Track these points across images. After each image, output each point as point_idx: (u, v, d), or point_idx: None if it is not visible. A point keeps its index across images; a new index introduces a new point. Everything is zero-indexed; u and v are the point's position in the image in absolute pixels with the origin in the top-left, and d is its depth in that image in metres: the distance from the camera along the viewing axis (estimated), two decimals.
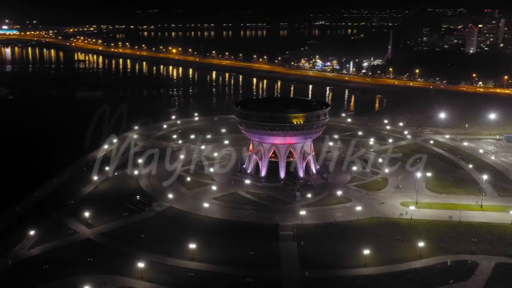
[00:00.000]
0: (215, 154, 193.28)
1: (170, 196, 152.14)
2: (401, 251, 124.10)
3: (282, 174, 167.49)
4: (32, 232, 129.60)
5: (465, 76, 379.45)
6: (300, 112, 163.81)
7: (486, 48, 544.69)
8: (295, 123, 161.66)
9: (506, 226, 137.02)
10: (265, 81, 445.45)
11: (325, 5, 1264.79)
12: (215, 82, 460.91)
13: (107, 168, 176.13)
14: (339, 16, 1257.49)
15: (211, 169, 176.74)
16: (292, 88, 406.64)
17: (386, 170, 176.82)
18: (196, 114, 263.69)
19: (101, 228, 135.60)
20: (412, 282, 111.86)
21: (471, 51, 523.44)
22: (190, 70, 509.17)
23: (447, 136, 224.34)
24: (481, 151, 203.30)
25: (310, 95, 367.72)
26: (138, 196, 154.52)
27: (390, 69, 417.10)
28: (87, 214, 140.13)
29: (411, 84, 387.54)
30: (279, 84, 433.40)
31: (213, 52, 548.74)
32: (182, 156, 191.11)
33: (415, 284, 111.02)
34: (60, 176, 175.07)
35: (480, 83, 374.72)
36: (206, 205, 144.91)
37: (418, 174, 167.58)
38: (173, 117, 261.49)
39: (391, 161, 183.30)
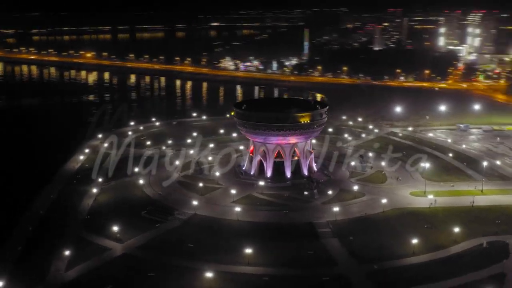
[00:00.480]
0: (210, 158, 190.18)
1: (195, 203, 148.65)
2: (436, 238, 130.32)
3: (289, 174, 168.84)
4: (67, 252, 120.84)
5: (388, 72, 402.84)
6: (305, 111, 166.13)
7: (392, 46, 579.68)
8: (302, 122, 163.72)
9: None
10: (190, 83, 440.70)
11: (214, 6, 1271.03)
12: (138, 85, 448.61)
13: (100, 179, 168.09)
14: (232, 18, 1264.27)
15: (217, 173, 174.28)
16: (221, 89, 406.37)
17: (383, 164, 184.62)
18: (154, 119, 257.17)
19: (133, 242, 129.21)
20: (461, 266, 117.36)
21: (378, 48, 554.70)
22: (106, 74, 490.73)
23: (410, 129, 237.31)
24: (449, 140, 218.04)
25: (240, 96, 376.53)
26: (150, 207, 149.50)
27: (319, 67, 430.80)
28: (115, 228, 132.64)
29: (343, 81, 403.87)
30: (205, 85, 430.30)
31: (131, 55, 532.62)
32: (177, 162, 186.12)
33: (466, 267, 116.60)
34: (51, 189, 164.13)
35: (402, 77, 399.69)
36: (237, 209, 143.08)
37: (408, 166, 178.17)
38: (132, 123, 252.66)
39: (392, 160, 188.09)
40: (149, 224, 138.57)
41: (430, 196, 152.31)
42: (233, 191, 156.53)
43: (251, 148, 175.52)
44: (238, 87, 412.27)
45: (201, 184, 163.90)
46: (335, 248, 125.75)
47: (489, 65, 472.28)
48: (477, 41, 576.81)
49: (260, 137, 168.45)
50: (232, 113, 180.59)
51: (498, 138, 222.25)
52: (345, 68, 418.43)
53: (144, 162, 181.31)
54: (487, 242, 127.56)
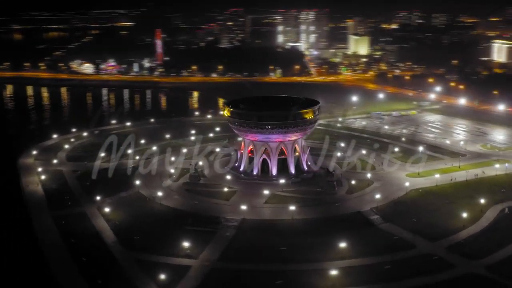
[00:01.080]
0: (200, 163, 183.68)
1: (244, 207, 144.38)
2: (464, 211, 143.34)
3: (293, 170, 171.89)
4: (162, 276, 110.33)
5: (257, 69, 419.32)
6: (306, 108, 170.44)
7: (238, 44, 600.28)
8: (306, 118, 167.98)
9: (497, 177, 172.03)
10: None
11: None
12: None
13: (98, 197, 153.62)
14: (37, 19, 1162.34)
15: (228, 177, 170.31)
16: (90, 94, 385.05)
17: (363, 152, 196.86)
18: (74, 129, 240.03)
19: (207, 255, 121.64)
20: (505, 231, 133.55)
21: (224, 46, 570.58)
22: None
23: (340, 119, 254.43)
24: (386, 127, 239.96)
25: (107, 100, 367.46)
26: (189, 219, 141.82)
27: (194, 67, 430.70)
28: (185, 244, 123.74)
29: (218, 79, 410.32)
30: (63, 91, 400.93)
31: None
32: (172, 170, 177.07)
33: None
34: (41, 220, 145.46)
35: (272, 73, 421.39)
36: (292, 207, 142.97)
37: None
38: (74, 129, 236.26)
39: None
40: (203, 235, 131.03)
41: (429, 177, 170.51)
42: (265, 192, 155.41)
43: (249, 148, 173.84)
44: (106, 91, 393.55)
45: (226, 189, 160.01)
46: (398, 231, 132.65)
47: (333, 58, 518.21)
48: (312, 38, 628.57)
49: (262, 136, 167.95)
50: (226, 113, 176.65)
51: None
52: (220, 67, 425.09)
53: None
54: (508, 208, 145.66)
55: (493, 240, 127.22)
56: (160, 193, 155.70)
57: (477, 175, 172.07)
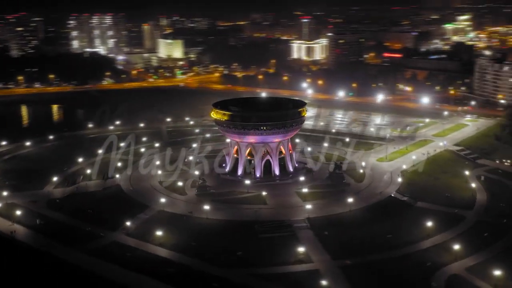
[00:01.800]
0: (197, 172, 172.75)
1: (308, 206, 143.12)
2: (463, 181, 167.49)
3: (292, 168, 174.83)
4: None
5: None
6: (299, 108, 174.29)
7: (31, 51, 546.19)
8: (302, 117, 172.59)
9: (443, 154, 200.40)
10: None
11: None
12: None
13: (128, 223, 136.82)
14: None
15: (247, 181, 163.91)
16: None
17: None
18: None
19: (319, 255, 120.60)
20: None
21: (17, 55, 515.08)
22: None
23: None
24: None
25: None
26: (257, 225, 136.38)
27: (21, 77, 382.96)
28: (292, 250, 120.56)
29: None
30: None
31: None
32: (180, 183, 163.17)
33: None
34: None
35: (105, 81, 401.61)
36: (350, 199, 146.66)
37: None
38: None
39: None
40: (287, 240, 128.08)
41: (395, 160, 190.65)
42: (305, 190, 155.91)
43: (247, 151, 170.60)
44: None
45: (264, 193, 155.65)
46: (437, 207, 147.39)
47: (150, 63, 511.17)
48: (111, 42, 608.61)
49: (260, 137, 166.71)
50: (216, 116, 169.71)
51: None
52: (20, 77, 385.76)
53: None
54: (483, 176, 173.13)
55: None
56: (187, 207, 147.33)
57: (429, 153, 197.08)
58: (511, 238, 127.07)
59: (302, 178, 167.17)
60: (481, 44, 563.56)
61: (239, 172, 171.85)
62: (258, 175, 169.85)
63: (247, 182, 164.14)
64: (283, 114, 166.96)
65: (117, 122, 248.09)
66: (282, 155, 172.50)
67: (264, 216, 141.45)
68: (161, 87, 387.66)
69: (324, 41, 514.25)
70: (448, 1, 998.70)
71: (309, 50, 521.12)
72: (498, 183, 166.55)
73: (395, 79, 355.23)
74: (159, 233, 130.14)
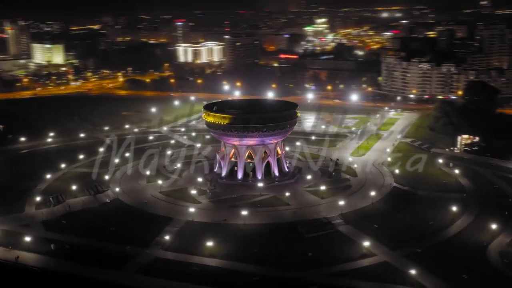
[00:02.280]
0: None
1: (341, 203, 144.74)
2: (433, 170, 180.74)
3: (287, 169, 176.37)
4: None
5: None
6: (292, 108, 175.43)
7: None
8: (296, 117, 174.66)
9: (400, 145, 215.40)
10: None
11: None
12: None
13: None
14: None
15: (260, 184, 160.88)
16: None
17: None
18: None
19: (378, 247, 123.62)
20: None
21: None
22: None
23: (165, 128, 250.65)
24: None
25: None
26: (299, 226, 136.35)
27: None
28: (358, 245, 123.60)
29: None
30: None
31: None
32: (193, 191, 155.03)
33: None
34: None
35: None
36: (373, 193, 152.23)
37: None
38: None
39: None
40: (334, 238, 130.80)
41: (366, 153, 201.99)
42: (323, 187, 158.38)
43: (246, 153, 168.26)
44: None
45: (287, 194, 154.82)
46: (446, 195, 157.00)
47: (21, 71, 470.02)
48: None
49: (261, 139, 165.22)
50: (214, 119, 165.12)
51: None
52: None
53: None
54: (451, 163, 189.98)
55: None
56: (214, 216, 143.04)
57: (394, 144, 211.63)
58: None
59: (308, 177, 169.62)
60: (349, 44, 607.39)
61: (239, 175, 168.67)
62: (260, 177, 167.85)
63: (260, 185, 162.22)
64: (283, 114, 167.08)
65: (51, 134, 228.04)
66: (278, 156, 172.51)
67: (299, 216, 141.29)
68: (64, 94, 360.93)
69: (210, 44, 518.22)
70: (286, 7, 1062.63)
71: (196, 53, 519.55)
72: (467, 168, 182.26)
73: (302, 80, 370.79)
74: (206, 244, 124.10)
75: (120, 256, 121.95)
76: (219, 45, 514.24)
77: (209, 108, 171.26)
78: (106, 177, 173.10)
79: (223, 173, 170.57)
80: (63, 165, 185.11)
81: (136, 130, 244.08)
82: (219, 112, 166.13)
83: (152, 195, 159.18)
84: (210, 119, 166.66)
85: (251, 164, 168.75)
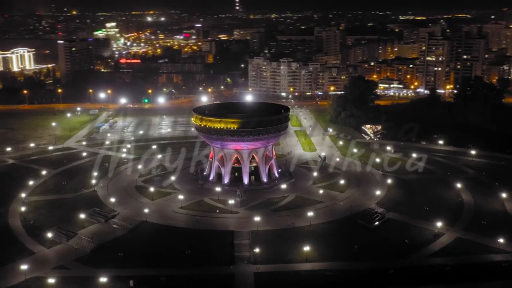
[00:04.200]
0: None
1: (378, 192, 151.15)
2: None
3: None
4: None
5: None
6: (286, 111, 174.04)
7: None
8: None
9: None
10: None
11: None
12: None
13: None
14: None
15: (283, 186, 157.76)
16: None
17: None
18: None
19: (448, 226, 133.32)
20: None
21: None
22: None
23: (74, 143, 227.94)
24: (166, 131, 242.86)
25: None
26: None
27: None
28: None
29: None
30: None
31: None
32: (232, 201, 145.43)
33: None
34: None
35: None
36: (389, 181, 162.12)
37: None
38: None
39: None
40: (395, 226, 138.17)
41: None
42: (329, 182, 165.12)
43: (249, 157, 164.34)
44: None
45: (321, 191, 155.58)
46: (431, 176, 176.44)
47: None
48: None
49: (263, 142, 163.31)
50: (220, 125, 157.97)
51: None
52: None
53: None
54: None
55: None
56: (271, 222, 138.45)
57: (325, 138, 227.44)
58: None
59: (315, 174, 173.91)
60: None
61: (245, 180, 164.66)
62: (265, 181, 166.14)
63: (284, 186, 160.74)
64: (283, 117, 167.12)
65: None
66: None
67: (351, 210, 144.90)
68: None
69: (21, 50, 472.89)
70: (31, 9, 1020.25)
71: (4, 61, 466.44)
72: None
73: (158, 84, 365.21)
74: (294, 249, 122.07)
75: (220, 277, 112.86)
76: (29, 51, 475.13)
77: (204, 113, 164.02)
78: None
79: (226, 180, 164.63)
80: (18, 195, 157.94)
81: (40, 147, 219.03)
82: (224, 117, 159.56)
83: (174, 211, 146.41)
84: (216, 125, 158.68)
85: (252, 168, 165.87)
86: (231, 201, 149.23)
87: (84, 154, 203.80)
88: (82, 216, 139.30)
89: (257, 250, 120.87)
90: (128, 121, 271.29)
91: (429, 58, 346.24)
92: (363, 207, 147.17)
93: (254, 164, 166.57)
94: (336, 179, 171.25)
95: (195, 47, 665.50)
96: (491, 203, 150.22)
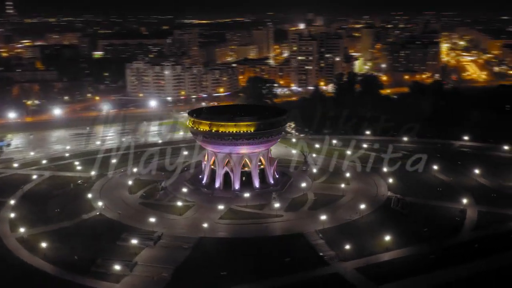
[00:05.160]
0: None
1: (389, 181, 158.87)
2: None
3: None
4: None
5: None
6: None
7: None
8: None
9: None
10: None
11: None
12: None
13: None
14: None
15: (304, 184, 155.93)
16: None
17: None
18: None
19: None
20: None
21: None
22: None
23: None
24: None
25: None
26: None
27: None
28: None
29: None
30: None
31: None
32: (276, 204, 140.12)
33: None
34: None
35: None
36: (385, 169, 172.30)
37: None
38: None
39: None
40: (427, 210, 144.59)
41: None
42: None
43: (255, 162, 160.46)
44: None
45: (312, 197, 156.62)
46: None
47: None
48: None
49: (269, 144, 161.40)
50: (235, 129, 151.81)
51: None
52: None
53: None
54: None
55: None
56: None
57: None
58: None
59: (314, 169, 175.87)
60: None
61: (256, 184, 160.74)
62: (273, 183, 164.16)
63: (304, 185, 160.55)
64: (285, 118, 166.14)
65: None
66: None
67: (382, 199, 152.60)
68: None
69: None
70: None
71: None
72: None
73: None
74: (371, 242, 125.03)
75: (330, 278, 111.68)
76: None
77: (224, 118, 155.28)
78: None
79: (236, 185, 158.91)
80: (22, 229, 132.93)
81: None
82: (231, 120, 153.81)
83: (216, 222, 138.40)
84: (230, 129, 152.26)
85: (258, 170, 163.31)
86: (277, 205, 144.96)
87: (32, 176, 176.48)
88: (122, 243, 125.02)
89: (339, 247, 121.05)
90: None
91: (300, 58, 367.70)
92: (385, 195, 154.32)
93: (261, 167, 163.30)
94: (326, 174, 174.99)
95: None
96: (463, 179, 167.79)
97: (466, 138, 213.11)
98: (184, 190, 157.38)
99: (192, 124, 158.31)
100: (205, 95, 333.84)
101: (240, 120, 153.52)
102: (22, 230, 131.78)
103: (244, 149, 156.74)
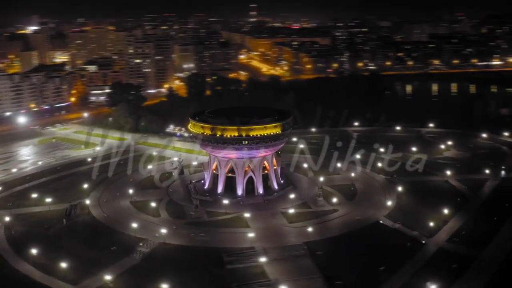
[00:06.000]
0: None
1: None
2: None
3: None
4: None
5: None
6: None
7: None
8: None
9: None
10: None
11: None
12: None
13: None
14: None
15: (320, 200, 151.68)
16: None
17: None
18: None
19: None
20: None
21: None
22: None
23: None
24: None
25: None
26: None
27: None
28: None
29: None
30: None
31: None
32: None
33: None
34: None
35: None
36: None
37: None
38: None
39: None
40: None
41: None
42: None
43: (265, 165, 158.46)
44: None
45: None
46: None
47: None
48: None
49: (271, 149, 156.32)
50: (264, 132, 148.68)
51: None
52: None
53: None
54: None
55: None
56: None
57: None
58: None
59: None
60: None
61: (260, 190, 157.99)
62: (277, 188, 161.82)
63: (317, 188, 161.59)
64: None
65: None
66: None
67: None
68: None
69: None
70: None
71: None
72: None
73: None
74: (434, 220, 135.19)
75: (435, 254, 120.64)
76: None
77: (248, 122, 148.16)
78: None
79: (240, 192, 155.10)
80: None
81: None
82: (247, 124, 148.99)
83: (294, 226, 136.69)
84: (257, 133, 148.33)
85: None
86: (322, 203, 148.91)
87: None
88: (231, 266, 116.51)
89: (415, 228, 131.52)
90: None
91: (137, 60, 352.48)
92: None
93: (266, 172, 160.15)
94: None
95: None
96: None
97: None
98: (226, 201, 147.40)
99: (211, 131, 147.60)
100: (47, 106, 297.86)
101: (269, 122, 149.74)
102: None
103: (262, 152, 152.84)
